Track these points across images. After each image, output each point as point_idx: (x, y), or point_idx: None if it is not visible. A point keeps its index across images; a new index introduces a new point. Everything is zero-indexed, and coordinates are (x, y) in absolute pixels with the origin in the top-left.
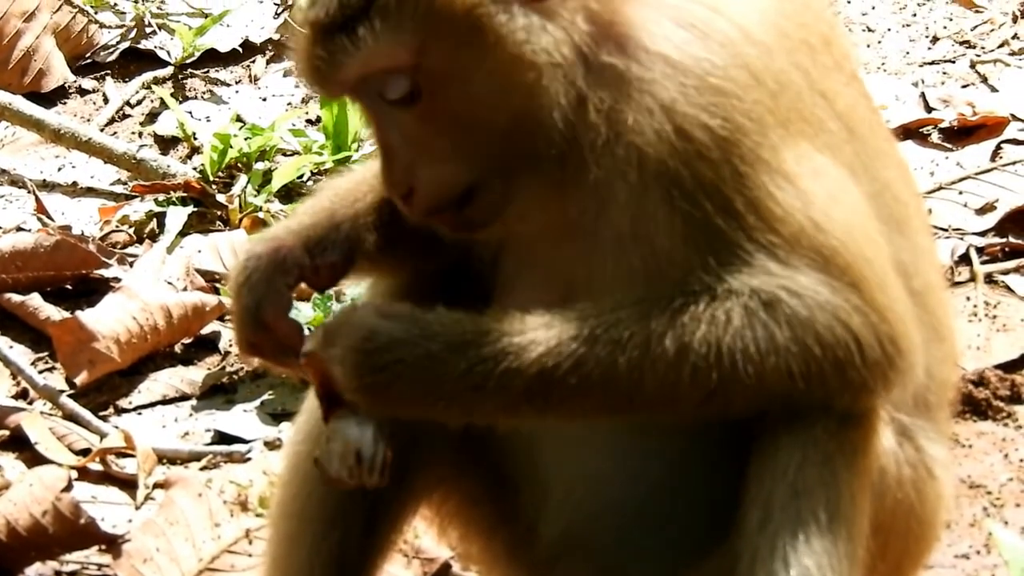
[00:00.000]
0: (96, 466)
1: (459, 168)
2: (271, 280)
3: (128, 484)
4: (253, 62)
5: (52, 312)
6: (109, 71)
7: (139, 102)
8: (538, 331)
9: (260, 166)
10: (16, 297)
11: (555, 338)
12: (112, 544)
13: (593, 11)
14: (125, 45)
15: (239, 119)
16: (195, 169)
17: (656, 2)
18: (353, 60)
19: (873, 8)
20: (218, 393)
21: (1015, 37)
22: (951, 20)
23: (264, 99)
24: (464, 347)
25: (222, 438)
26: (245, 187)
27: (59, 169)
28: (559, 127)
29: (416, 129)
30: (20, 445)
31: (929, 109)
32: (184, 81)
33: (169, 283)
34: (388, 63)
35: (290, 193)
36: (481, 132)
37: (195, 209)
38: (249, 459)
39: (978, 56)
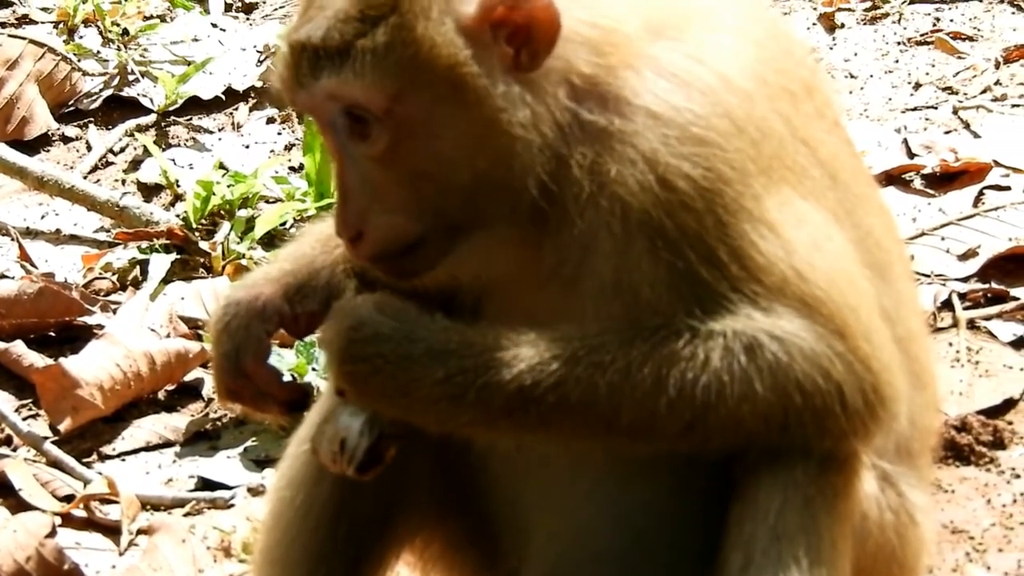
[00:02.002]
0: (80, 512)
1: (412, 219)
2: (250, 327)
3: (112, 530)
4: (236, 109)
5: (35, 359)
6: (92, 119)
7: (122, 149)
8: (521, 348)
9: (243, 213)
10: None
11: (538, 356)
12: None
13: (575, 84)
14: (108, 93)
15: (222, 166)
16: (178, 216)
17: (638, 55)
18: (330, 79)
19: (856, 54)
20: (201, 439)
21: (997, 83)
22: (933, 66)
23: (247, 146)
24: (445, 356)
25: (205, 484)
26: (228, 234)
27: (42, 216)
28: (531, 189)
29: (376, 175)
30: (4, 491)
31: (911, 155)
32: (167, 128)
33: (152, 330)
34: (361, 96)
35: (273, 240)
36: (440, 187)
37: (178, 256)
38: (232, 505)
39: (960, 102)
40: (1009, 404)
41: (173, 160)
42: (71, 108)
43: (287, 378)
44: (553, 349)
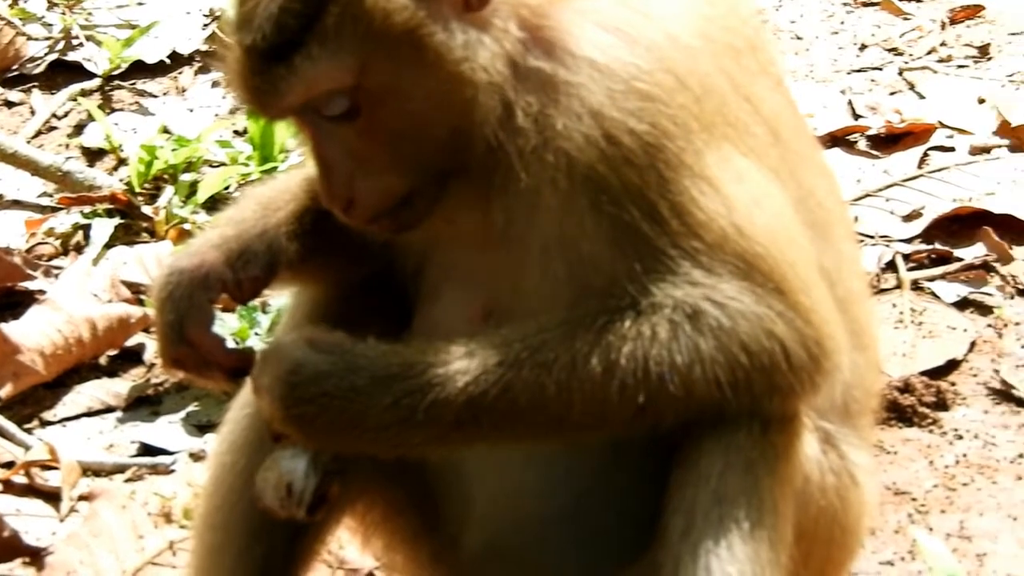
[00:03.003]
0: (20, 479)
1: (397, 178)
2: (193, 295)
3: (52, 496)
4: (180, 73)
5: None
6: (36, 83)
7: (66, 114)
8: (463, 360)
9: (186, 177)
10: None
11: (481, 366)
12: (36, 557)
13: (524, 17)
14: (52, 57)
15: (166, 130)
16: (121, 181)
17: (583, 6)
18: (295, 87)
19: (801, 16)
20: (143, 405)
21: (943, 44)
22: (879, 28)
23: (191, 110)
24: (389, 380)
25: (147, 450)
26: (171, 199)
27: None
28: (490, 136)
29: (355, 143)
30: None
31: (856, 116)
32: (111, 93)
33: (95, 295)
34: (329, 85)
35: (216, 204)
36: (418, 145)
37: (121, 221)
38: (173, 471)
39: (906, 63)
40: (952, 365)
41: (117, 124)
42: (15, 73)
43: (230, 344)
44: (495, 356)
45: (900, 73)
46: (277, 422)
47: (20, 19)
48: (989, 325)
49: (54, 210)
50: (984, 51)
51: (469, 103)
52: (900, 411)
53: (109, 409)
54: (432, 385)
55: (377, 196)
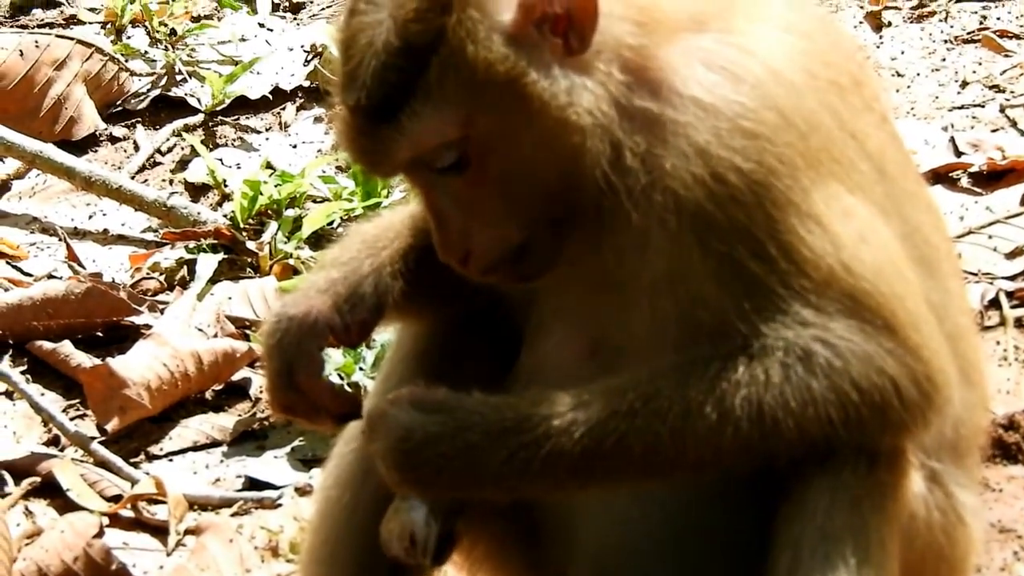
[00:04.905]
0: (127, 512)
1: (511, 227)
2: (302, 343)
3: (159, 530)
4: (283, 109)
5: (83, 359)
6: (140, 119)
7: (170, 149)
8: (577, 411)
9: (290, 213)
10: (47, 344)
11: (595, 416)
12: None
13: (626, 58)
14: (156, 93)
15: (269, 166)
16: (225, 216)
17: (687, 44)
18: (402, 144)
19: (902, 52)
20: (249, 439)
21: None
22: (980, 64)
23: (294, 146)
24: (504, 435)
25: (253, 484)
26: (275, 234)
27: (90, 217)
28: (599, 178)
29: (467, 194)
30: (52, 492)
31: (959, 153)
32: (214, 128)
33: (200, 330)
34: (437, 140)
35: (320, 240)
36: (530, 192)
37: (225, 256)
38: (280, 505)
39: (1008, 100)
40: None
41: (220, 160)
42: (119, 108)
43: (335, 379)
44: (609, 406)
45: (1002, 110)
46: (395, 486)
47: (123, 55)
48: None
49: (159, 245)
50: None
51: (577, 147)
52: (1005, 448)
53: (215, 443)
54: (547, 437)
55: (493, 247)
